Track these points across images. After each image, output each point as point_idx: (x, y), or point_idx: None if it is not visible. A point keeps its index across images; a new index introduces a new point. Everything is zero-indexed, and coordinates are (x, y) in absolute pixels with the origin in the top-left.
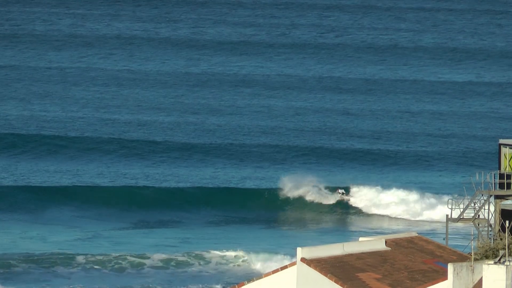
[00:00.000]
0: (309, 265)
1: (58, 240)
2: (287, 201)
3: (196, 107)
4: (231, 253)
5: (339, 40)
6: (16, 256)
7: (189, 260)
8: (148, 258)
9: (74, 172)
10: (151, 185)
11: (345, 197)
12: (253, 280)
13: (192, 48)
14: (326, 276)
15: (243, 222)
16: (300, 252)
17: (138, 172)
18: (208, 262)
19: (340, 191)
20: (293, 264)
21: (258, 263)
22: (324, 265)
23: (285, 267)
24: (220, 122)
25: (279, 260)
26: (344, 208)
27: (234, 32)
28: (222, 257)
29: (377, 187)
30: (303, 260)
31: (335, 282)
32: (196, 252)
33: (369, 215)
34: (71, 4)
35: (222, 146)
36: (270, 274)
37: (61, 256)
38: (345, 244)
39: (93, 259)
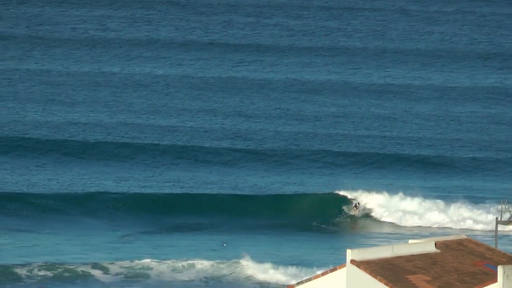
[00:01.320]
0: (359, 267)
1: (96, 243)
2: (316, 207)
3: (234, 111)
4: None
5: (381, 43)
6: (55, 262)
7: (225, 265)
8: (186, 262)
9: (118, 178)
10: (195, 192)
11: (358, 211)
12: (303, 282)
13: (228, 52)
14: (376, 278)
15: (280, 228)
16: (350, 254)
17: (178, 177)
18: (243, 267)
19: (355, 202)
20: (343, 266)
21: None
22: (373, 267)
23: (335, 269)
24: (260, 127)
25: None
26: (378, 216)
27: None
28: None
29: (418, 196)
30: (352, 262)
31: (385, 284)
32: (232, 258)
33: (403, 225)
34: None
35: (260, 151)
36: (319, 276)
37: (99, 262)
38: (395, 246)
39: (132, 264)
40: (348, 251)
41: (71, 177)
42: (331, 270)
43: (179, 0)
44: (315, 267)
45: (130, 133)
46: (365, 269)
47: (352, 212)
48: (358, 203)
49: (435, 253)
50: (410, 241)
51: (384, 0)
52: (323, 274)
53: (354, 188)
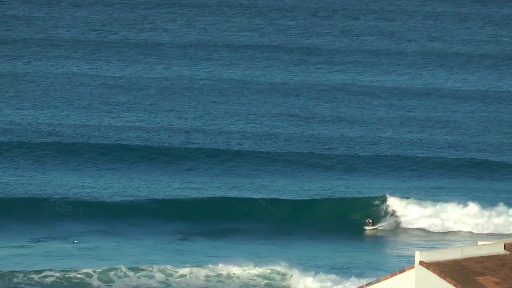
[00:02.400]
0: (428, 269)
1: (156, 246)
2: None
3: (295, 115)
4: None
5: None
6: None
7: (265, 271)
8: (235, 268)
9: (181, 180)
10: (250, 197)
11: (371, 227)
12: (372, 284)
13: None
14: (444, 279)
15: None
16: (419, 255)
17: (236, 182)
18: (286, 273)
19: (368, 220)
20: (412, 267)
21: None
22: (442, 269)
23: (403, 270)
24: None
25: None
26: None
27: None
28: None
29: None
30: (421, 263)
31: (454, 285)
32: (273, 264)
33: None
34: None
35: (322, 155)
36: (388, 278)
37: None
38: (464, 247)
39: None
40: (417, 253)
41: (137, 182)
42: (400, 271)
43: (243, 2)
44: (355, 274)
45: (194, 138)
46: (434, 271)
47: (367, 227)
48: (371, 220)
49: (504, 255)
50: (479, 242)
51: (441, 2)
52: (392, 275)
53: (410, 193)
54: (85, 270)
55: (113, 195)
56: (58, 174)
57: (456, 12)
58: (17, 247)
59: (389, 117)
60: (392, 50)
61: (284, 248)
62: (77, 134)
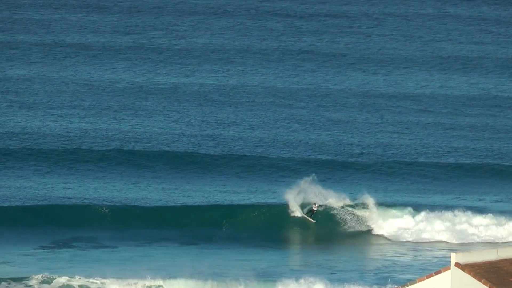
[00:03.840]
0: (463, 270)
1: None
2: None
3: (328, 121)
4: None
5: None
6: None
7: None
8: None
9: (223, 186)
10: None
11: (314, 208)
12: (407, 285)
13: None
14: (480, 281)
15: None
16: (454, 257)
17: (258, 188)
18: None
19: (314, 204)
20: (447, 269)
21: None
22: (478, 270)
23: (439, 272)
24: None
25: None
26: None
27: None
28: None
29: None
30: (457, 265)
31: (489, 287)
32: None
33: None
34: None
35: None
36: (424, 279)
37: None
38: (499, 249)
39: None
40: (453, 254)
41: (163, 186)
42: (436, 273)
43: (272, 8)
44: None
45: (218, 145)
46: (469, 272)
47: (301, 214)
48: (315, 204)
49: None
50: None
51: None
52: (427, 277)
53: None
54: (108, 279)
55: (141, 199)
56: (87, 180)
57: (496, 15)
58: (42, 251)
59: (420, 123)
60: (427, 56)
61: (311, 255)
62: (106, 139)
